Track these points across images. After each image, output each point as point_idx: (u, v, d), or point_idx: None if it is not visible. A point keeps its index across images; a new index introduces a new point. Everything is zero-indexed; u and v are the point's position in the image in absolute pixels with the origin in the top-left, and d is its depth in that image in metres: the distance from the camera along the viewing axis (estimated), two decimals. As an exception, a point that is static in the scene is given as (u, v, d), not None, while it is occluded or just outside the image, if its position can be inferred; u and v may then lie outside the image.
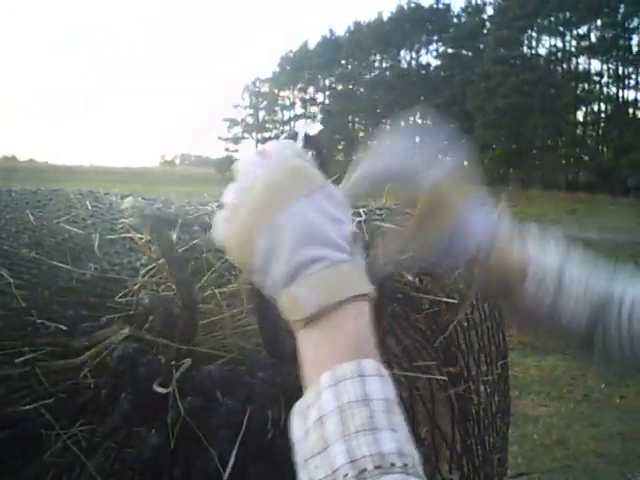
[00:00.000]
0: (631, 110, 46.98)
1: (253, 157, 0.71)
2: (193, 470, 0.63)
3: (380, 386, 0.57)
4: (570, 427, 4.73)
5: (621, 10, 45.76)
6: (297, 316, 0.61)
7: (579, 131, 49.95)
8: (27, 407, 0.64)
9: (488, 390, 1.22)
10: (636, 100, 46.73)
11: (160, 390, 0.64)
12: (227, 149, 71.01)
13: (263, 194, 0.65)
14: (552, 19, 50.31)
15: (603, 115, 49.19)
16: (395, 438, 0.54)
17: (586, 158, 48.59)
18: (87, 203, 1.21)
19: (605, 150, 47.84)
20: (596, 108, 49.45)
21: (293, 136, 0.80)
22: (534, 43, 52.56)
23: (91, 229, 1.00)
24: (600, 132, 49.44)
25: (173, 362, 0.67)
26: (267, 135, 70.97)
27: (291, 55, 71.22)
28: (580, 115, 49.96)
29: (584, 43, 48.82)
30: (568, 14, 48.60)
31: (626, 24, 45.85)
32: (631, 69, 46.50)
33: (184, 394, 0.65)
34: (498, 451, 1.35)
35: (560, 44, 51.23)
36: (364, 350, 0.60)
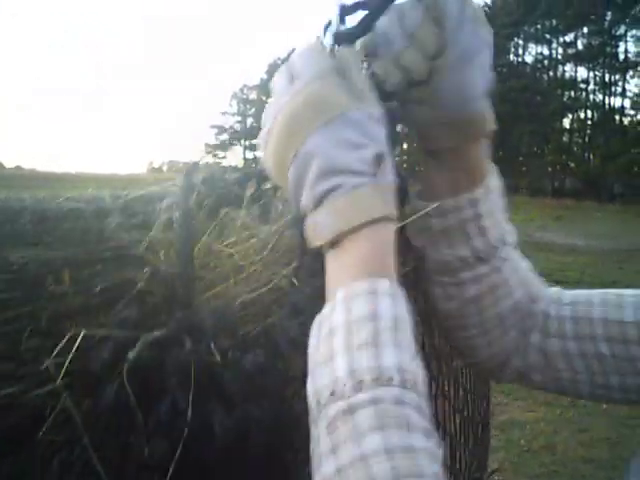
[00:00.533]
0: (617, 117, 47.23)
1: (283, 76, 0.72)
2: (151, 419, 0.63)
3: (390, 304, 0.58)
4: (557, 433, 4.74)
5: (608, 17, 46.11)
6: (317, 242, 0.64)
7: (565, 138, 50.21)
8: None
9: (461, 392, 1.22)
10: (622, 107, 46.99)
11: (129, 355, 0.63)
12: (215, 155, 70.96)
13: (285, 124, 0.66)
14: (539, 27, 50.60)
15: (589, 122, 49.44)
16: (397, 354, 0.55)
17: (572, 165, 48.80)
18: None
19: (591, 157, 48.08)
20: (582, 115, 49.74)
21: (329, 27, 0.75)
22: (520, 51, 52.88)
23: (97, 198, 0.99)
24: (586, 139, 49.69)
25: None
26: (255, 142, 71.04)
27: (279, 62, 71.14)
28: (566, 122, 50.27)
29: (570, 50, 49.10)
30: (555, 22, 48.90)
31: (613, 31, 46.16)
32: (618, 76, 46.80)
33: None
34: (475, 455, 1.35)
35: (547, 52, 51.56)
36: (380, 270, 0.61)
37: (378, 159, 0.64)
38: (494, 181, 0.86)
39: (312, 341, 0.61)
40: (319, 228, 0.63)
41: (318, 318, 0.61)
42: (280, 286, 0.75)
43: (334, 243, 0.63)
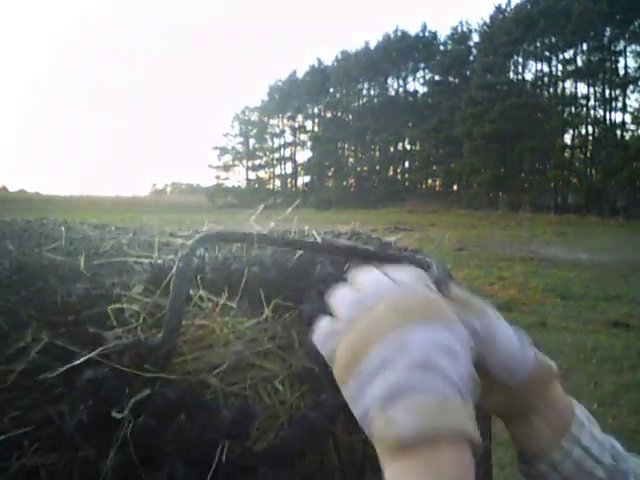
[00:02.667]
0: (619, 132, 47.32)
1: (378, 275, 0.68)
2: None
3: None
4: (563, 450, 4.71)
5: (607, 33, 46.29)
6: (389, 440, 0.55)
7: (567, 154, 50.27)
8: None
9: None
10: (623, 122, 47.11)
11: (116, 415, 0.64)
12: (217, 177, 71.21)
13: (386, 313, 0.62)
14: (538, 44, 50.85)
15: (591, 138, 49.52)
16: None
17: (575, 180, 48.86)
18: (62, 231, 1.22)
19: (593, 172, 48.12)
20: (584, 131, 49.85)
21: (424, 265, 0.77)
22: (520, 68, 53.14)
23: (74, 255, 1.01)
24: (588, 154, 49.77)
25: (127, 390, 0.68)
26: (257, 162, 71.30)
27: (280, 84, 71.69)
28: (568, 138, 50.39)
29: (570, 67, 49.30)
30: (554, 39, 49.13)
31: (612, 47, 46.36)
32: (618, 92, 46.90)
33: (139, 415, 0.65)
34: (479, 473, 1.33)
35: (546, 69, 51.82)
36: None
37: (471, 381, 0.60)
38: (578, 409, 0.78)
39: None
40: (396, 425, 0.55)
41: None
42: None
43: (407, 447, 0.55)
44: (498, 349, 0.70)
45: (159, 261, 0.96)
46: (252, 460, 0.68)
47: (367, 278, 0.69)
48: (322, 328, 0.68)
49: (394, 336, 0.59)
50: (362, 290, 0.67)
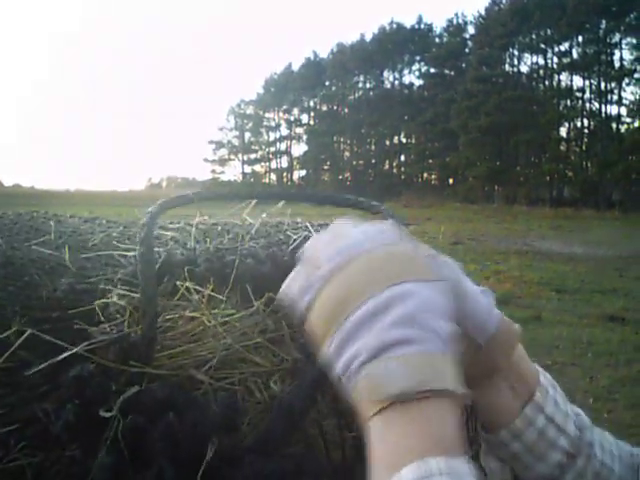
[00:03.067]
0: (614, 125, 47.37)
1: (362, 225, 0.67)
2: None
3: None
4: None
5: (602, 26, 46.29)
6: (377, 396, 0.54)
7: (563, 147, 50.33)
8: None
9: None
10: (619, 115, 47.09)
11: (104, 414, 0.64)
12: (213, 171, 71.22)
13: (373, 265, 0.60)
14: (533, 37, 50.85)
15: (586, 131, 49.60)
16: None
17: (570, 174, 48.91)
18: (51, 224, 1.21)
19: (589, 165, 48.18)
20: (579, 124, 49.90)
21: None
22: (516, 61, 53.13)
23: (62, 249, 1.00)
24: (583, 147, 49.83)
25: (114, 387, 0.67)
26: (253, 156, 71.25)
27: (275, 77, 71.59)
28: (563, 131, 50.44)
29: (566, 60, 49.31)
30: (549, 31, 49.14)
31: (607, 39, 46.38)
32: (613, 84, 46.93)
33: (127, 414, 0.64)
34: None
35: (542, 61, 51.84)
36: (454, 448, 0.53)
37: (454, 336, 0.58)
38: (543, 376, 0.77)
39: None
40: (382, 380, 0.54)
41: None
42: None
43: (394, 403, 0.54)
44: (469, 304, 0.67)
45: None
46: (238, 452, 0.67)
47: (350, 227, 0.66)
48: (297, 278, 0.65)
49: (382, 289, 0.58)
50: (346, 238, 0.64)
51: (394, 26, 62.35)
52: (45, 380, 0.68)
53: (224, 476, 0.64)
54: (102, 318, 0.77)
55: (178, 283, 0.84)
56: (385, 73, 63.91)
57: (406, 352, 0.55)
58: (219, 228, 1.24)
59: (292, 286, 0.65)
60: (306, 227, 1.26)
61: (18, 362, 0.70)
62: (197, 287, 0.84)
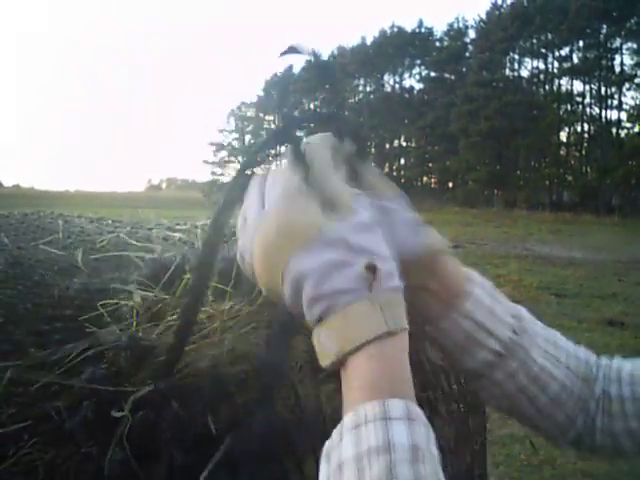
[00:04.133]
0: (614, 130, 47.34)
1: (254, 200, 0.69)
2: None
3: (406, 431, 0.52)
4: (557, 446, 4.70)
5: (603, 30, 46.30)
6: (323, 363, 0.60)
7: (562, 152, 50.33)
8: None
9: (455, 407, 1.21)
10: (619, 120, 47.09)
11: (115, 414, 0.65)
12: (213, 173, 71.14)
13: (263, 256, 0.63)
14: (534, 41, 50.85)
15: (586, 135, 49.56)
16: None
17: (570, 178, 48.90)
18: (59, 224, 1.22)
19: (589, 170, 48.16)
20: (579, 129, 49.85)
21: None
22: (516, 65, 53.13)
23: (70, 249, 1.00)
24: (583, 152, 49.78)
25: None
26: (253, 159, 71.11)
27: (276, 78, 71.56)
28: (563, 136, 50.40)
29: (566, 64, 49.29)
30: (550, 36, 49.14)
31: (608, 44, 46.36)
32: (614, 89, 46.91)
33: (137, 411, 0.65)
34: (473, 471, 1.35)
35: (542, 66, 51.82)
36: (391, 391, 0.56)
37: (370, 270, 0.59)
38: (478, 284, 0.82)
39: (322, 472, 0.55)
40: (321, 349, 0.60)
41: (327, 445, 0.56)
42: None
43: (339, 364, 0.59)
44: (396, 228, 0.72)
45: (156, 255, 0.95)
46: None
47: (246, 206, 0.70)
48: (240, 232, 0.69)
49: (285, 277, 0.60)
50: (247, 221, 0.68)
51: (395, 30, 62.34)
52: (57, 379, 0.69)
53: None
54: (113, 319, 0.77)
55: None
56: (385, 76, 63.94)
57: (327, 319, 0.59)
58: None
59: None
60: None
61: (30, 360, 0.71)
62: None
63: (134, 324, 0.77)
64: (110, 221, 1.51)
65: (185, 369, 0.74)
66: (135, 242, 1.06)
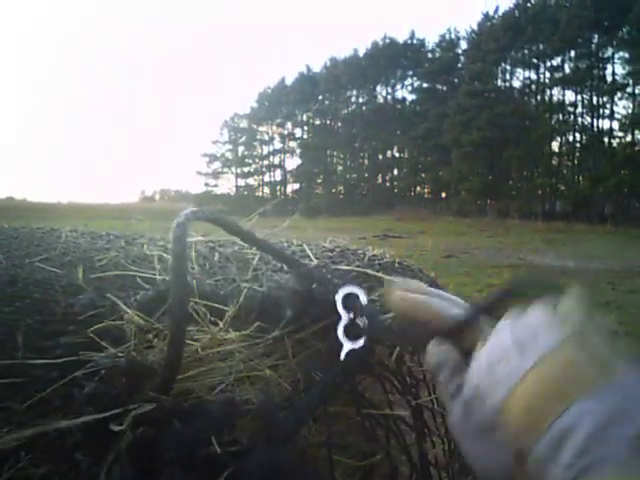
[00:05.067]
0: (606, 139, 47.49)
1: (521, 330, 0.66)
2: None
3: None
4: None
5: (595, 40, 46.50)
6: None
7: (555, 161, 50.50)
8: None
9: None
10: (611, 129, 47.22)
11: (114, 428, 0.65)
12: (207, 184, 71.20)
13: (548, 383, 0.60)
14: (526, 51, 51.07)
15: (578, 145, 49.71)
16: None
17: (562, 188, 49.03)
18: (54, 239, 1.21)
19: (581, 179, 48.29)
20: (571, 138, 49.98)
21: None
22: (508, 76, 53.35)
23: (68, 267, 0.99)
24: (576, 162, 49.95)
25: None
26: (246, 170, 71.29)
27: (269, 91, 71.77)
28: (555, 145, 50.53)
29: (558, 74, 49.50)
30: (542, 46, 49.33)
31: (600, 54, 46.56)
32: (605, 99, 47.08)
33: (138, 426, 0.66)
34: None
35: (534, 76, 52.03)
36: None
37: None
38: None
39: None
40: None
41: None
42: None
43: None
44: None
45: (156, 274, 0.94)
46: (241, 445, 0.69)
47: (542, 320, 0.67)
48: (502, 358, 0.65)
49: (564, 415, 0.57)
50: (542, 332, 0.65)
51: (387, 41, 62.63)
52: (57, 395, 0.69)
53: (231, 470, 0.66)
54: (115, 339, 0.77)
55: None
56: (378, 88, 64.19)
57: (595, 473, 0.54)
58: (216, 256, 1.22)
59: (493, 363, 0.65)
60: (306, 252, 1.27)
61: (29, 377, 0.71)
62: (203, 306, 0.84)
63: (138, 346, 0.76)
64: (104, 233, 1.50)
65: (188, 390, 0.74)
66: (134, 260, 1.04)
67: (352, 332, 0.82)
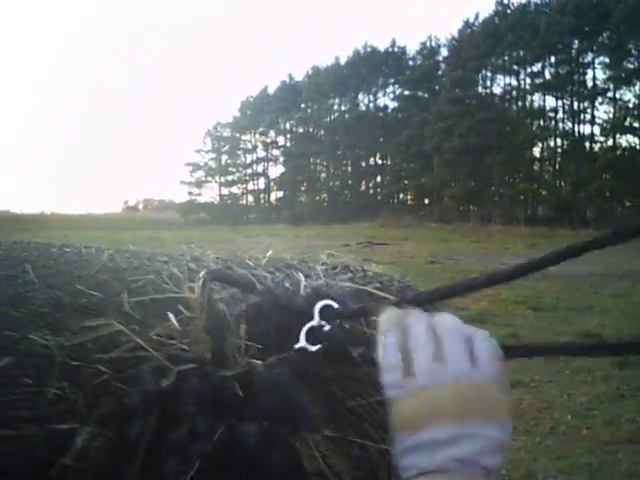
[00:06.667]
0: (587, 144, 47.77)
1: (463, 349, 0.71)
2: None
3: None
4: (537, 460, 4.72)
5: (575, 46, 46.79)
6: None
7: (536, 167, 50.78)
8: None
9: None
10: (592, 134, 47.51)
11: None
12: (190, 193, 70.94)
13: (459, 402, 0.67)
14: (506, 58, 51.34)
15: (559, 150, 49.99)
16: None
17: (544, 193, 49.26)
18: (96, 256, 1.19)
19: (563, 184, 48.53)
20: (552, 144, 50.30)
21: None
22: (489, 82, 53.67)
23: (104, 288, 0.96)
24: (557, 167, 50.23)
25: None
26: (230, 178, 71.12)
27: (251, 100, 71.70)
28: (537, 151, 50.83)
29: (538, 80, 49.78)
30: (522, 52, 49.61)
31: (580, 59, 46.86)
32: (586, 104, 47.37)
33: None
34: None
35: (515, 82, 52.35)
36: None
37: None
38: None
39: None
40: None
41: None
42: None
43: None
44: None
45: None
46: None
47: (454, 348, 0.71)
48: (392, 368, 0.71)
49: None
50: (444, 359, 0.70)
51: (368, 49, 62.87)
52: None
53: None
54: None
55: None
56: (360, 96, 64.33)
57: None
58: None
59: (388, 368, 0.71)
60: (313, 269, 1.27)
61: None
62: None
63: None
64: (115, 249, 1.41)
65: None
66: (168, 283, 1.00)
67: (315, 336, 0.83)
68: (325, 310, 0.85)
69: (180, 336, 0.81)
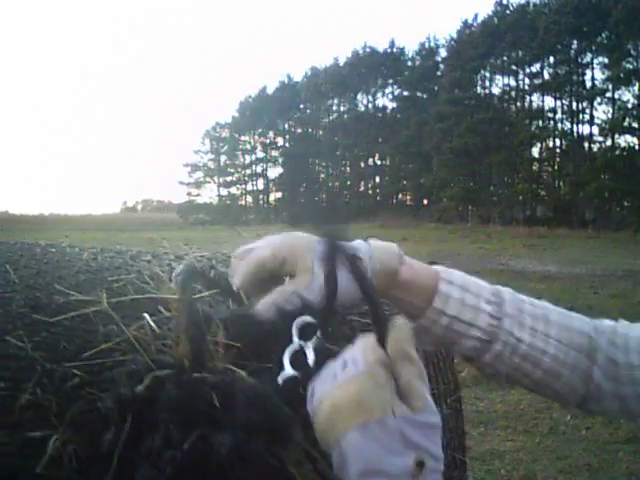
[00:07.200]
0: (586, 144, 47.86)
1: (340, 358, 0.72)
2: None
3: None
4: (537, 461, 4.71)
5: (574, 46, 46.87)
6: None
7: (535, 167, 50.83)
8: None
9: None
10: (591, 134, 47.59)
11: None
12: (189, 193, 70.93)
13: (328, 415, 0.67)
14: (505, 58, 51.42)
15: (558, 150, 50.06)
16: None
17: (543, 193, 49.33)
18: (73, 255, 1.17)
19: (562, 185, 48.62)
20: (551, 144, 50.38)
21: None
22: (488, 83, 53.73)
23: (84, 287, 0.93)
24: (556, 167, 50.28)
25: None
26: (229, 179, 71.14)
27: (250, 100, 71.70)
28: (535, 151, 50.91)
29: (537, 81, 49.86)
30: (521, 53, 49.67)
31: (579, 59, 46.94)
32: (585, 104, 47.45)
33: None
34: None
35: (513, 83, 52.39)
36: None
37: (419, 465, 0.63)
38: (444, 280, 0.95)
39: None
40: None
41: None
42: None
43: None
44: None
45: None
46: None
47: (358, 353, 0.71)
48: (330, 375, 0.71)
49: (339, 443, 0.64)
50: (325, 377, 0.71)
51: (367, 50, 62.90)
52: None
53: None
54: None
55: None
56: (359, 96, 64.36)
57: None
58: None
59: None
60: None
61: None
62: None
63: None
64: (99, 248, 1.41)
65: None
66: (152, 279, 0.99)
67: (298, 360, 0.78)
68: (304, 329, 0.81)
69: (158, 338, 0.78)
